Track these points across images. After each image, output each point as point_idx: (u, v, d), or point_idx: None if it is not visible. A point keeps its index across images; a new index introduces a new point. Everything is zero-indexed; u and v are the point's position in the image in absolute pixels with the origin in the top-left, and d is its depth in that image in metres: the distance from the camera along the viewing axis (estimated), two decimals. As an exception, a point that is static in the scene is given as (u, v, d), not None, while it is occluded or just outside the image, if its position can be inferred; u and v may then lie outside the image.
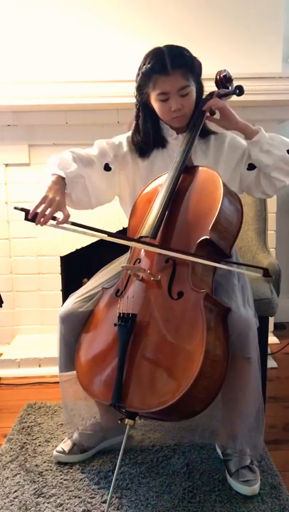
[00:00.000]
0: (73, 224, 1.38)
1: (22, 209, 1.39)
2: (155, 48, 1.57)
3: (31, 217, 1.39)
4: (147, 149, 1.66)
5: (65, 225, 1.40)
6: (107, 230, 1.41)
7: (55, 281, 2.64)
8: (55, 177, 1.50)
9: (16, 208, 1.39)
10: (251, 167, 1.63)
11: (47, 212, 1.40)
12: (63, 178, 1.51)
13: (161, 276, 1.41)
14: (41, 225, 1.40)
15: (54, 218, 1.41)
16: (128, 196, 1.71)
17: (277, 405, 2.03)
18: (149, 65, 1.54)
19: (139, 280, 1.44)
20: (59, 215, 1.42)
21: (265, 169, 1.58)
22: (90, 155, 1.64)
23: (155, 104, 1.59)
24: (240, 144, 1.67)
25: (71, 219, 1.41)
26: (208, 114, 1.64)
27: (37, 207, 1.40)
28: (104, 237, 1.41)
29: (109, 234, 1.41)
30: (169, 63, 1.51)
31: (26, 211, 1.39)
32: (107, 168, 1.66)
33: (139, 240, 1.45)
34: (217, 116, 1.62)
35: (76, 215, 1.43)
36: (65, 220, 1.41)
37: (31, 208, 1.40)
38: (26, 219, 1.40)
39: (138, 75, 1.59)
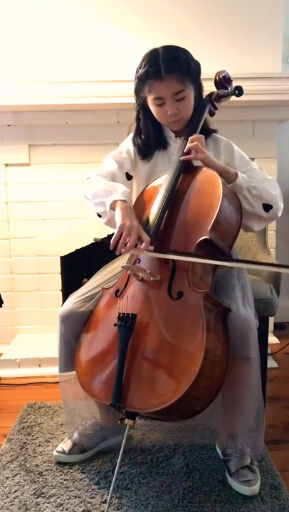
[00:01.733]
0: (155, 250, 1.37)
1: (102, 241, 1.39)
2: (152, 50, 1.55)
3: (112, 247, 1.38)
4: (149, 151, 1.67)
5: (148, 253, 1.38)
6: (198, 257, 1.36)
7: (55, 281, 2.64)
8: (120, 202, 1.46)
9: (95, 240, 1.38)
10: None
11: (130, 242, 1.37)
12: (125, 201, 1.48)
13: (160, 276, 1.41)
14: (123, 254, 1.39)
15: (136, 245, 1.39)
16: (133, 196, 1.71)
17: (277, 405, 2.03)
18: (143, 70, 1.53)
19: (139, 280, 1.44)
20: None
21: None
22: (111, 171, 1.62)
23: (152, 108, 1.59)
24: (231, 157, 1.65)
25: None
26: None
27: (116, 238, 1.38)
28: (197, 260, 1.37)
29: (200, 257, 1.36)
30: (163, 68, 1.50)
31: (106, 243, 1.38)
32: (128, 177, 1.66)
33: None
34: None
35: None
36: (147, 245, 1.38)
37: (112, 239, 1.38)
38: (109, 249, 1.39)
39: (135, 78, 1.59)
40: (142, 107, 1.62)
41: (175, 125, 1.61)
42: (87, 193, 1.59)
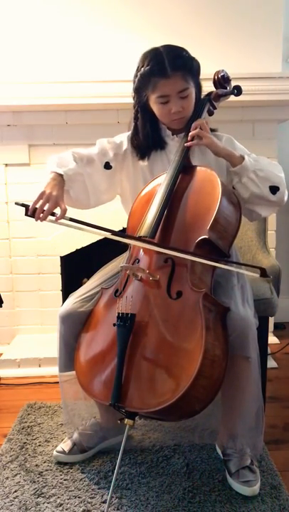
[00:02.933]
0: (72, 220, 1.40)
1: (22, 204, 1.43)
2: (152, 48, 1.55)
3: (31, 212, 1.43)
4: (147, 151, 1.66)
5: (64, 221, 1.42)
6: (106, 227, 1.41)
7: (55, 281, 2.64)
8: (54, 174, 1.53)
9: (16, 204, 1.42)
10: None
11: (45, 208, 1.42)
12: (62, 176, 1.53)
13: (160, 276, 1.41)
14: (41, 221, 1.43)
15: (53, 214, 1.43)
16: (129, 196, 1.71)
17: (277, 405, 2.03)
18: (148, 68, 1.52)
19: (138, 280, 1.44)
20: (57, 210, 1.44)
21: (241, 200, 1.57)
22: (90, 154, 1.66)
23: (154, 107, 1.58)
24: (234, 145, 1.66)
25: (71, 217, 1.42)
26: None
27: (35, 202, 1.44)
28: (105, 234, 1.42)
29: (109, 231, 1.41)
30: (169, 66, 1.50)
31: (26, 207, 1.43)
32: (107, 166, 1.67)
33: (138, 238, 1.45)
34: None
35: (76, 216, 1.44)
36: (63, 214, 1.43)
37: (31, 204, 1.43)
38: (26, 215, 1.44)
39: (136, 76, 1.57)
40: (142, 107, 1.61)
41: (177, 123, 1.60)
42: (50, 158, 1.61)
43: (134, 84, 1.59)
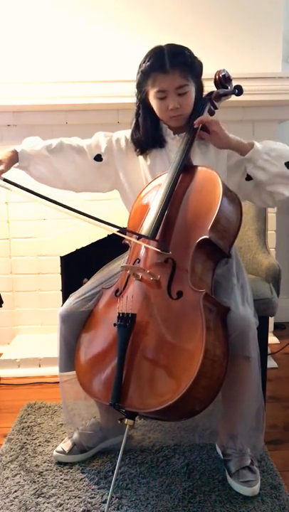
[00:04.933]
0: (6, 181, 1.47)
1: None
2: (156, 46, 1.57)
3: None
4: (146, 147, 1.66)
5: (12, 187, 1.45)
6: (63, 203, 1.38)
7: (55, 281, 2.64)
8: (13, 149, 1.63)
9: None
10: (249, 177, 1.61)
11: None
12: (16, 153, 1.63)
13: (160, 276, 1.40)
14: None
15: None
16: (129, 192, 1.71)
17: (277, 405, 2.03)
18: (148, 63, 1.55)
19: (139, 280, 1.44)
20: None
21: (261, 184, 1.58)
22: (81, 144, 1.72)
23: (153, 102, 1.59)
24: None
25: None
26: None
27: None
28: (60, 208, 1.39)
29: (66, 206, 1.38)
30: (168, 62, 1.51)
31: None
32: (98, 158, 1.70)
33: (74, 210, 1.40)
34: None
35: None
36: (2, 171, 1.50)
37: None
38: None
39: (138, 73, 1.60)
40: (143, 103, 1.63)
41: (174, 121, 1.60)
42: (24, 139, 1.73)
43: (136, 80, 1.61)
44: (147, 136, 1.65)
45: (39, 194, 1.40)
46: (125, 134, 1.71)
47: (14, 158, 1.62)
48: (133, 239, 1.50)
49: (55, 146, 1.69)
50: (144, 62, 1.57)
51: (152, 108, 1.61)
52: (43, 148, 1.67)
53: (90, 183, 1.75)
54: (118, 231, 1.46)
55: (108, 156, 1.70)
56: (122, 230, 1.51)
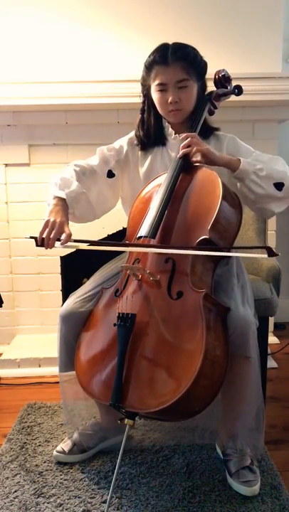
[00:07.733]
0: (76, 241, 1.45)
1: (31, 237, 1.47)
2: (163, 43, 1.60)
3: (40, 243, 1.46)
4: (148, 143, 1.67)
5: (69, 244, 1.46)
6: (108, 241, 1.46)
7: (55, 281, 2.63)
8: (56, 200, 1.54)
9: (31, 237, 1.47)
10: None
11: (51, 236, 1.45)
12: (64, 199, 1.55)
13: (160, 276, 1.40)
14: (50, 248, 1.47)
15: (59, 239, 1.46)
16: (130, 196, 1.72)
17: (277, 405, 2.03)
18: (152, 57, 1.58)
19: (139, 280, 1.44)
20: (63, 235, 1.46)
21: (249, 202, 1.57)
22: (92, 165, 1.67)
23: (154, 96, 1.60)
24: (236, 150, 1.65)
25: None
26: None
27: (42, 232, 1.46)
28: (109, 248, 1.49)
29: (111, 244, 1.48)
30: (170, 55, 1.54)
31: (35, 238, 1.47)
32: (110, 174, 1.68)
33: (141, 245, 1.46)
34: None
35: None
36: (67, 239, 1.45)
37: (38, 234, 1.47)
38: (37, 245, 1.47)
39: (143, 68, 1.62)
40: (147, 98, 1.65)
41: (174, 116, 1.60)
42: (52, 179, 1.62)
43: (142, 75, 1.63)
44: (150, 132, 1.66)
45: (103, 242, 1.48)
46: (126, 138, 1.72)
47: (66, 209, 1.55)
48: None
49: (83, 178, 1.63)
50: (148, 57, 1.60)
51: (155, 105, 1.61)
52: (78, 186, 1.59)
53: (107, 206, 1.73)
54: (122, 244, 1.51)
55: (118, 170, 1.70)
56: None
